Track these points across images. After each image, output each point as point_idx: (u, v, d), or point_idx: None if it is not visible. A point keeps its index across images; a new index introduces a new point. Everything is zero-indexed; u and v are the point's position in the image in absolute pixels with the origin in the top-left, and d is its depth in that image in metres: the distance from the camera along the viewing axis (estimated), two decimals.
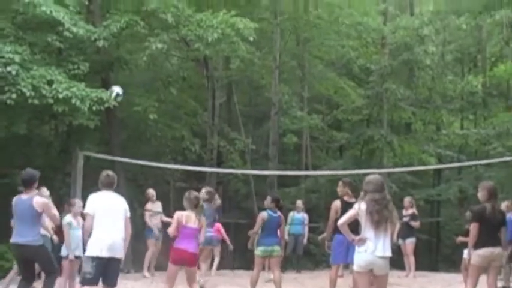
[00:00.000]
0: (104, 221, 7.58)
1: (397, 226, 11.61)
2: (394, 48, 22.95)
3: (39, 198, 8.15)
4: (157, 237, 13.76)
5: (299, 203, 16.40)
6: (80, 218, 9.69)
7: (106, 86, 15.80)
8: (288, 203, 16.84)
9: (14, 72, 13.04)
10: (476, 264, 8.23)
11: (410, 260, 13.86)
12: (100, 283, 7.74)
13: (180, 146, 20.62)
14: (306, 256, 16.67)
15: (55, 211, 8.36)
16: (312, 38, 22.84)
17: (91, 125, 14.99)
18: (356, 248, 6.89)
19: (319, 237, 11.04)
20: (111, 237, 7.55)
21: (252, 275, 10.43)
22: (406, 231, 13.77)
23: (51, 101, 13.49)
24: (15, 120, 14.67)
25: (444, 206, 25.96)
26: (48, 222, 9.96)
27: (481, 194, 8.41)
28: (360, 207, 6.89)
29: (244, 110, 23.79)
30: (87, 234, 7.77)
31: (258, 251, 10.21)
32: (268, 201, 10.55)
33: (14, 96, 13.07)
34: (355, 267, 6.91)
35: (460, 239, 11.20)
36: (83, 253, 8.41)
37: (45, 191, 10.68)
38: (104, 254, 7.49)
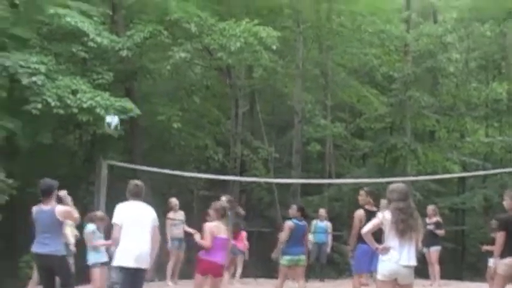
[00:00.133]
0: (132, 231, 7.51)
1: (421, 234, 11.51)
2: (418, 55, 22.85)
3: (61, 207, 8.14)
4: (178, 246, 13.71)
5: (322, 211, 16.33)
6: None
7: (130, 95, 15.94)
8: (311, 212, 16.77)
9: (39, 82, 13.20)
10: (502, 273, 8.13)
11: (435, 269, 13.72)
12: None
13: (204, 155, 20.68)
14: (329, 265, 16.58)
15: (77, 214, 8.33)
16: (334, 46, 22.82)
17: (115, 134, 15.09)
18: (380, 256, 6.84)
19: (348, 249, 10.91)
20: (138, 248, 7.48)
21: (276, 284, 10.40)
22: (431, 239, 13.63)
23: (75, 110, 13.62)
24: (40, 130, 14.84)
25: (469, 214, 25.70)
26: (69, 231, 10.01)
27: (506, 203, 8.32)
28: (384, 216, 6.85)
29: (267, 119, 23.80)
30: (114, 244, 7.71)
31: (284, 260, 10.17)
32: (293, 210, 10.52)
33: (39, 106, 13.22)
34: (379, 276, 6.85)
35: (486, 247, 11.08)
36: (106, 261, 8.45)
37: (65, 194, 10.69)
38: (132, 264, 7.42)
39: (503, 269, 8.10)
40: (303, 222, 10.33)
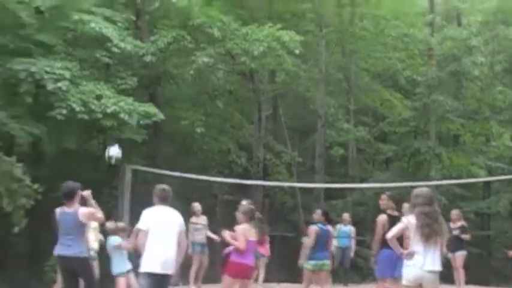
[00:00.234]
0: (159, 236, 7.45)
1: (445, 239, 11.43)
2: (442, 59, 22.70)
3: (84, 209, 8.08)
4: (201, 251, 13.71)
5: (346, 215, 16.27)
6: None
7: (153, 100, 16.02)
8: (334, 216, 16.72)
9: (64, 88, 13.32)
10: None
11: (460, 274, 13.60)
12: None
13: (227, 159, 20.71)
14: (353, 269, 16.50)
15: (100, 214, 8.31)
16: (357, 50, 22.76)
17: (139, 139, 15.18)
18: (405, 261, 6.79)
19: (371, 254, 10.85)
20: (165, 254, 7.43)
21: None
22: (456, 244, 13.50)
23: (99, 115, 13.71)
24: (64, 135, 14.96)
25: (494, 218, 25.43)
26: (92, 235, 10.07)
27: None
28: (409, 221, 6.80)
29: (290, 123, 23.78)
30: (140, 249, 7.61)
31: (309, 265, 10.15)
32: (318, 214, 10.48)
33: (64, 111, 13.33)
34: (403, 281, 6.81)
35: None
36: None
37: (89, 194, 10.72)
38: (158, 270, 7.38)
39: None
40: (328, 227, 10.29)
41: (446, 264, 12.89)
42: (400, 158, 25.10)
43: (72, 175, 8.53)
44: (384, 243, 9.36)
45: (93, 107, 13.59)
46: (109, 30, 14.23)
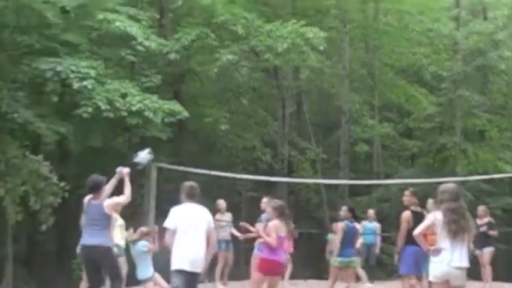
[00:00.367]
0: (187, 234, 7.40)
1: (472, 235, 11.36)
2: (467, 54, 22.48)
3: (109, 200, 8.15)
4: (225, 248, 13.71)
5: (371, 212, 16.19)
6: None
7: (178, 97, 16.08)
8: (359, 212, 16.65)
9: (89, 87, 13.41)
10: None
11: (487, 270, 13.47)
12: None
13: (251, 156, 20.72)
14: (378, 266, 16.42)
15: (123, 197, 8.32)
16: (381, 45, 22.64)
17: (163, 137, 15.24)
18: (431, 258, 6.75)
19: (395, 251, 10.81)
20: (194, 252, 7.39)
21: (327, 285, 10.35)
22: (483, 240, 13.37)
23: (125, 113, 13.79)
24: (90, 133, 15.07)
25: None
26: (118, 232, 10.10)
27: None
28: (435, 217, 6.75)
29: (314, 119, 23.73)
30: (168, 248, 7.56)
31: (336, 261, 10.12)
32: (344, 211, 10.45)
33: (89, 110, 13.43)
34: (430, 278, 6.77)
35: None
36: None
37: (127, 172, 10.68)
38: (188, 268, 7.35)
39: None
40: (353, 224, 10.27)
41: (473, 260, 12.79)
42: (425, 154, 24.93)
43: (97, 173, 8.57)
44: (408, 240, 9.35)
45: (118, 105, 13.67)
46: (133, 29, 14.30)
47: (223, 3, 16.53)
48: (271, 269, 8.31)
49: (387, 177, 22.60)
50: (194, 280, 7.52)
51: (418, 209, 9.58)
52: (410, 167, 24.81)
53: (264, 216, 11.64)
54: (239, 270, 15.16)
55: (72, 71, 13.44)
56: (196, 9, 17.33)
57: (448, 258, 6.58)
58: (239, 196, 21.25)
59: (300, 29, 15.61)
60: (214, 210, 14.42)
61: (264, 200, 11.93)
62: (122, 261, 10.08)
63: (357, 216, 10.46)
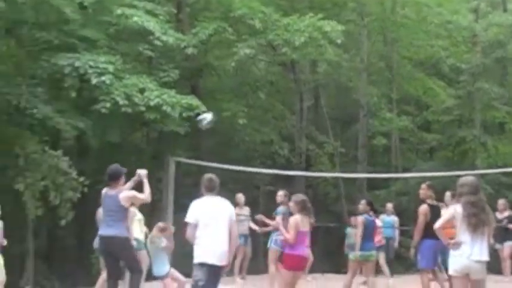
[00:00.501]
0: (209, 228, 7.35)
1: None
2: (487, 46, 22.30)
3: (126, 192, 8.18)
4: (244, 243, 13.73)
5: (389, 205, 16.14)
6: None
7: (195, 92, 16.09)
8: (378, 206, 16.60)
9: (108, 82, 13.45)
10: None
11: (507, 264, 13.40)
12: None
13: (269, 150, 20.71)
14: (396, 260, 16.36)
15: (142, 195, 8.35)
16: (400, 38, 22.50)
17: (181, 131, 15.27)
18: (451, 252, 6.72)
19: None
20: (217, 245, 7.35)
21: (345, 279, 10.35)
22: (504, 234, 13.30)
23: (143, 108, 13.83)
24: (108, 128, 15.14)
25: None
26: (137, 226, 10.16)
27: None
28: (456, 210, 6.72)
29: (331, 113, 23.67)
30: (191, 242, 7.50)
31: (355, 255, 10.11)
32: (363, 205, 10.43)
33: (108, 105, 13.48)
34: (450, 272, 6.75)
35: None
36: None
37: (145, 174, 10.74)
38: (211, 261, 7.31)
39: None
40: (372, 217, 10.26)
41: (494, 254, 12.71)
42: (444, 147, 24.79)
43: None
44: (426, 234, 9.35)
45: (136, 100, 13.71)
46: (151, 24, 14.31)
47: None
48: (295, 264, 8.33)
49: (405, 170, 22.49)
50: (218, 273, 7.48)
51: (434, 202, 9.63)
52: (429, 160, 24.67)
53: (280, 209, 11.66)
54: (257, 264, 15.18)
55: (91, 67, 13.49)
56: (214, 4, 17.33)
57: (468, 251, 6.55)
58: (257, 190, 21.27)
59: (317, 23, 15.54)
60: (233, 204, 14.44)
61: (280, 193, 11.95)
62: (143, 255, 10.12)
63: (375, 210, 10.43)
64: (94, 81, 13.43)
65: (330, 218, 20.36)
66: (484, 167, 20.80)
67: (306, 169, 20.97)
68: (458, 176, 7.37)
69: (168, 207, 14.97)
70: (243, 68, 18.18)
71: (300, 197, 8.75)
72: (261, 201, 20.35)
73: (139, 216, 10.43)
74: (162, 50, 15.34)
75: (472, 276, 6.61)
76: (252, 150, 20.88)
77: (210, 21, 15.72)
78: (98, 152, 18.51)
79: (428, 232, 9.33)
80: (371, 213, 10.26)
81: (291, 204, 8.65)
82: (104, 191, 8.34)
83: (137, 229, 10.38)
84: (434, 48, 22.59)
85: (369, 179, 20.52)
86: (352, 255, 10.26)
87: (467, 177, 7.08)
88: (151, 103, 13.76)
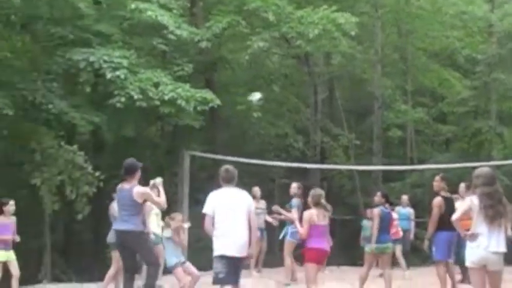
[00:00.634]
0: (227, 219, 7.33)
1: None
2: (502, 36, 22.09)
3: (140, 188, 8.19)
4: (260, 236, 13.71)
5: (404, 197, 16.09)
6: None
7: (209, 86, 16.10)
8: (393, 198, 16.55)
9: (122, 76, 13.49)
10: None
11: None
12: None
13: (284, 143, 20.72)
14: (413, 252, 16.32)
15: (158, 198, 8.40)
16: (414, 29, 22.37)
17: (196, 125, 15.30)
18: (468, 243, 6.69)
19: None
20: (235, 237, 7.32)
21: (361, 272, 10.34)
22: None
23: (157, 102, 13.86)
24: (123, 123, 15.20)
25: None
26: (154, 220, 10.20)
27: None
28: (472, 201, 6.68)
29: (346, 105, 23.61)
30: (208, 234, 7.51)
31: (371, 248, 10.09)
32: (378, 197, 10.42)
33: (123, 99, 13.53)
34: (467, 263, 6.71)
35: None
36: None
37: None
38: (230, 253, 7.29)
39: None
40: (388, 210, 10.24)
41: (511, 246, 12.64)
42: (460, 138, 24.65)
43: None
44: (440, 226, 9.35)
45: (150, 94, 13.74)
46: (165, 18, 14.32)
47: None
48: (316, 257, 8.36)
49: (421, 162, 22.41)
50: (238, 265, 7.46)
51: (448, 194, 9.66)
52: (445, 152, 24.56)
53: (294, 201, 11.68)
54: (274, 258, 15.21)
55: (105, 61, 13.53)
56: None
57: (485, 243, 6.52)
58: (272, 183, 21.28)
59: (331, 15, 15.48)
60: None
61: (293, 185, 11.99)
62: (160, 249, 10.16)
63: (391, 202, 10.40)
64: (109, 75, 13.47)
65: (346, 211, 20.34)
66: (500, 158, 20.67)
67: (321, 162, 20.95)
68: (474, 168, 7.31)
69: (183, 201, 15.03)
70: (257, 61, 18.18)
71: (317, 191, 8.77)
72: (276, 194, 20.37)
73: (156, 210, 10.46)
74: (176, 44, 15.35)
75: (489, 267, 6.58)
76: (267, 144, 20.88)
77: (224, 14, 15.70)
78: (113, 147, 18.59)
79: (443, 224, 9.34)
80: (387, 205, 10.23)
81: (309, 199, 8.68)
82: (119, 187, 8.38)
83: (154, 223, 10.43)
84: (450, 39, 22.43)
85: (384, 171, 20.47)
86: (368, 248, 10.25)
87: (482, 168, 7.04)
88: (166, 97, 13.78)
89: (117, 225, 8.35)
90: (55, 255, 15.66)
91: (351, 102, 24.83)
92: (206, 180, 17.78)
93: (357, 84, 24.26)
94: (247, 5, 15.60)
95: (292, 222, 11.20)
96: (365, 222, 14.46)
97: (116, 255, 9.94)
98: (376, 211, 10.13)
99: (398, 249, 13.44)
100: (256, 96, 14.59)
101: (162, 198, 8.42)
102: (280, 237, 12.30)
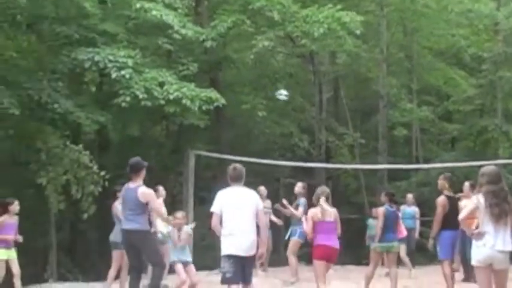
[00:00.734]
0: (234, 218, 7.31)
1: None
2: (509, 34, 21.99)
3: (145, 189, 8.23)
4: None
5: (409, 196, 16.09)
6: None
7: (214, 85, 16.10)
8: (399, 197, 16.52)
9: (127, 76, 13.49)
10: None
11: None
12: None
13: (289, 143, 20.71)
14: (418, 251, 16.30)
15: (158, 204, 8.43)
16: (420, 28, 22.31)
17: (201, 125, 15.31)
18: (474, 242, 6.67)
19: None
20: (242, 235, 7.29)
21: (367, 270, 10.34)
22: None
23: (162, 102, 13.86)
24: (128, 122, 15.21)
25: None
26: (159, 222, 10.21)
27: None
28: (478, 200, 6.67)
29: (351, 104, 23.59)
30: (216, 232, 7.52)
31: (377, 247, 10.09)
32: (383, 196, 10.44)
33: (128, 99, 13.53)
34: (473, 262, 6.70)
35: None
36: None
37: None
38: (237, 252, 7.28)
39: None
40: (394, 208, 10.24)
41: None
42: (466, 137, 24.58)
43: None
44: (444, 225, 9.37)
45: (156, 93, 13.74)
46: (170, 17, 14.31)
47: None
48: (323, 254, 8.41)
49: (426, 161, 22.38)
50: (247, 265, 7.43)
51: (451, 193, 9.71)
52: (451, 151, 24.51)
53: (301, 200, 11.69)
54: (279, 257, 15.20)
55: (110, 61, 13.54)
56: None
57: (492, 242, 6.50)
58: (277, 183, 21.27)
59: (336, 14, 15.45)
60: None
61: (299, 184, 12.01)
62: (166, 249, 10.18)
63: (395, 201, 10.40)
64: (114, 75, 13.48)
65: (351, 210, 20.30)
66: (506, 156, 20.59)
67: (326, 161, 20.93)
68: (480, 166, 7.30)
69: (188, 201, 15.02)
70: (262, 60, 18.15)
71: (321, 189, 8.83)
72: (281, 194, 20.34)
73: (163, 210, 10.49)
74: (181, 43, 15.35)
75: (495, 266, 6.57)
76: (272, 143, 20.87)
77: (229, 14, 15.69)
78: (118, 146, 18.62)
79: (446, 223, 9.38)
80: (391, 204, 10.23)
81: (314, 197, 8.73)
82: (125, 186, 8.41)
83: (161, 223, 10.44)
84: (455, 38, 22.37)
85: (389, 170, 20.42)
86: (373, 246, 10.25)
87: (487, 166, 7.03)
88: (171, 97, 13.79)
89: (124, 225, 8.38)
90: (61, 255, 15.70)
91: (356, 101, 24.80)
92: (211, 180, 17.80)
93: (362, 83, 24.22)
94: (252, 4, 15.58)
95: (298, 220, 11.33)
96: (370, 221, 14.45)
97: (116, 255, 10.01)
98: (381, 210, 10.14)
99: (403, 249, 13.41)
100: (282, 93, 14.89)
101: (163, 210, 8.49)
102: (286, 237, 12.30)
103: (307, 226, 8.55)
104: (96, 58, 13.51)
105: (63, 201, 14.00)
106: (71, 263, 16.48)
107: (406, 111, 21.62)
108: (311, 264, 10.50)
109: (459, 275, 11.77)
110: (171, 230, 9.66)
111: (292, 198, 12.21)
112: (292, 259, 11.85)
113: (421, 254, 17.77)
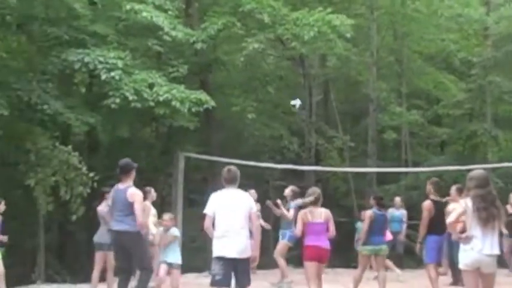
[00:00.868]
0: (227, 220, 7.27)
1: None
2: (498, 39, 22.13)
3: (134, 189, 8.22)
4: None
5: (397, 199, 16.12)
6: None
7: (204, 87, 16.09)
8: (388, 200, 16.57)
9: (117, 77, 13.47)
10: None
11: None
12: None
13: (279, 145, 20.72)
14: (407, 255, 16.33)
15: (141, 207, 8.34)
16: (410, 32, 22.40)
17: (191, 127, 15.29)
18: (462, 246, 6.69)
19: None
20: (234, 237, 7.26)
21: (355, 274, 10.35)
22: None
23: (152, 104, 13.85)
24: (118, 124, 15.18)
25: None
26: (151, 221, 10.20)
27: None
28: (466, 204, 6.69)
29: (341, 108, 23.63)
30: (209, 234, 7.49)
31: (365, 250, 10.11)
32: (372, 199, 10.47)
33: (117, 100, 13.51)
34: (461, 266, 6.71)
35: None
36: None
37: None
38: (228, 254, 7.23)
39: None
40: (382, 212, 10.26)
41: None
42: (455, 141, 24.68)
43: None
44: (430, 229, 9.43)
45: (145, 95, 13.72)
46: (160, 19, 14.31)
47: None
48: (313, 255, 8.43)
49: (415, 165, 22.43)
50: (240, 267, 7.35)
51: (437, 197, 9.77)
52: (440, 155, 24.59)
53: (293, 203, 11.71)
54: (268, 259, 15.19)
55: (100, 62, 13.52)
56: None
57: (479, 246, 6.51)
58: (267, 185, 21.26)
59: (326, 17, 15.48)
60: None
61: (289, 188, 12.03)
62: (156, 250, 10.17)
63: (383, 204, 10.41)
64: (103, 76, 13.46)
65: (340, 213, 20.27)
66: (495, 160, 20.70)
67: (316, 164, 20.95)
68: (469, 170, 7.33)
69: (177, 202, 15.00)
70: (252, 62, 18.14)
71: (313, 190, 8.85)
72: (271, 196, 20.33)
73: (154, 211, 10.50)
74: (171, 45, 15.34)
75: (483, 270, 6.57)
76: (262, 145, 20.87)
77: (219, 16, 15.69)
78: (107, 148, 18.58)
79: (432, 227, 9.44)
80: (380, 207, 10.25)
81: (306, 198, 8.77)
82: (114, 188, 8.40)
83: (152, 224, 10.44)
84: (445, 42, 22.47)
85: (378, 173, 20.47)
86: (361, 250, 10.27)
87: (476, 170, 7.06)
88: (161, 98, 13.77)
89: (113, 226, 8.35)
90: (49, 256, 15.63)
91: (346, 104, 24.85)
92: (201, 182, 17.78)
93: (352, 87, 24.27)
94: (242, 7, 15.59)
95: (288, 223, 11.38)
96: (359, 224, 14.46)
97: (99, 256, 10.01)
98: (368, 213, 10.17)
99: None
100: (298, 102, 15.18)
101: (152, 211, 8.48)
102: (280, 239, 12.32)
103: (297, 228, 8.58)
104: (86, 59, 13.48)
105: (51, 203, 13.95)
106: (59, 264, 16.42)
107: (396, 115, 21.67)
108: (300, 267, 10.52)
109: (447, 279, 11.83)
110: (157, 231, 9.70)
111: (283, 201, 12.20)
112: (281, 260, 11.86)
113: (410, 257, 17.83)
